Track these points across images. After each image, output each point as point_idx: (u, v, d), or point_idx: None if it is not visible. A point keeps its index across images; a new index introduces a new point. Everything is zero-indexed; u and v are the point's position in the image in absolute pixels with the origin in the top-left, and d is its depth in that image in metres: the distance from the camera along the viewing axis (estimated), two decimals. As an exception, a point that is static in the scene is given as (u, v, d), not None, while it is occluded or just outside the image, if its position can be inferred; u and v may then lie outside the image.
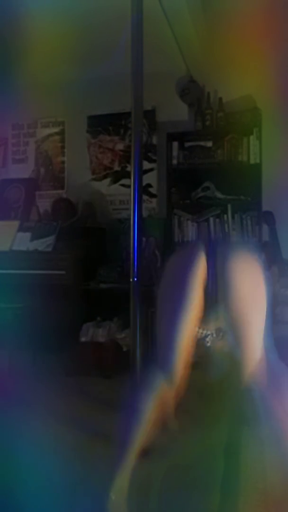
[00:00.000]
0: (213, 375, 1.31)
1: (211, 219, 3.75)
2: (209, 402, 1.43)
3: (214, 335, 1.29)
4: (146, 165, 3.93)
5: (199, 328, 1.26)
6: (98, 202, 4.22)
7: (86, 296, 3.63)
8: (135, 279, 1.97)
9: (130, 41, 2.02)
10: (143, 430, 1.26)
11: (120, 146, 4.25)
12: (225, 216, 3.71)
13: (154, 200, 4.09)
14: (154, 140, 4.11)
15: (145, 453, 1.27)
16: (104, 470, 1.26)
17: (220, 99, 3.79)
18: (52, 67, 3.81)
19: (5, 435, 2.01)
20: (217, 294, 1.25)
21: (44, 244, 3.66)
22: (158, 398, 1.24)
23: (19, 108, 4.32)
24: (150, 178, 4.04)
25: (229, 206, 3.70)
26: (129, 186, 2.02)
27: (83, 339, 3.49)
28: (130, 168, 2.03)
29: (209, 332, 1.28)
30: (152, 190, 4.09)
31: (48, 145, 4.46)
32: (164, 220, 3.85)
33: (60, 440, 2.06)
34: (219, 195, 3.74)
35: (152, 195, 4.09)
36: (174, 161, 3.80)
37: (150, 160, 4.08)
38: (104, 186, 4.27)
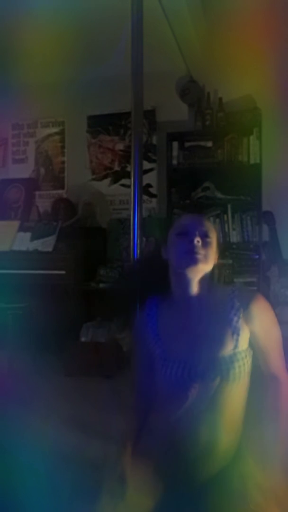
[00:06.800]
0: None
1: (211, 219, 3.74)
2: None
3: None
4: (146, 165, 3.94)
5: None
6: (98, 202, 4.22)
7: (86, 296, 3.63)
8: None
9: (130, 41, 2.02)
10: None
11: (120, 146, 4.25)
12: (225, 216, 3.71)
13: (154, 200, 4.09)
14: (154, 140, 4.11)
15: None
16: (104, 471, 1.26)
17: (220, 99, 3.79)
18: (52, 67, 3.81)
19: (4, 435, 2.01)
20: None
21: (44, 244, 3.66)
22: None
23: (19, 108, 4.32)
24: (150, 178, 4.04)
25: (229, 206, 3.70)
26: (129, 186, 2.01)
27: (83, 339, 3.49)
28: (130, 168, 2.03)
29: None
30: (152, 190, 4.09)
31: (48, 145, 4.46)
32: (164, 220, 3.85)
33: (60, 440, 2.07)
34: (219, 195, 3.74)
35: (152, 195, 4.09)
36: (174, 161, 3.79)
37: (150, 160, 4.08)
38: (104, 186, 4.27)
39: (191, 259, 1.22)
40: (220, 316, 1.24)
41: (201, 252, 1.22)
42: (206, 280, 1.27)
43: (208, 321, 1.24)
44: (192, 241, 1.22)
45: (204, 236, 1.24)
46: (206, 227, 1.26)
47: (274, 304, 3.42)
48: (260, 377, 1.27)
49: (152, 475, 1.24)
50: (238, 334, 1.21)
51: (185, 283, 1.26)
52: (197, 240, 1.22)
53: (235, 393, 1.20)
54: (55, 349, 3.26)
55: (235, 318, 1.22)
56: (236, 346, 1.20)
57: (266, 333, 1.24)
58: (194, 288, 1.26)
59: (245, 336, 1.22)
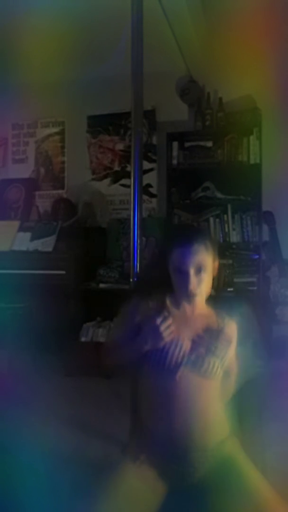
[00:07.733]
0: None
1: (211, 219, 3.74)
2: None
3: None
4: (146, 165, 3.93)
5: None
6: (98, 202, 4.22)
7: (86, 296, 3.63)
8: (135, 279, 1.97)
9: (130, 41, 2.02)
10: None
11: (120, 146, 4.25)
12: (225, 216, 3.71)
13: (154, 200, 4.09)
14: (154, 140, 4.11)
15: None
16: (103, 470, 1.27)
17: (220, 99, 3.79)
18: (52, 67, 3.81)
19: (4, 435, 2.01)
20: None
21: (44, 244, 3.66)
22: None
23: (19, 108, 4.32)
24: (150, 178, 4.04)
25: (229, 206, 3.70)
26: (129, 186, 2.02)
27: (83, 339, 3.49)
28: (130, 168, 2.03)
29: None
30: (152, 190, 4.09)
31: (48, 145, 4.46)
32: (164, 220, 3.84)
33: (60, 440, 2.07)
34: (219, 195, 3.74)
35: (152, 195, 4.09)
36: (174, 161, 3.79)
37: (150, 160, 4.08)
38: (104, 186, 4.27)
39: (188, 298, 1.36)
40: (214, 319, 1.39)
41: (197, 292, 1.34)
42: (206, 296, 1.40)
43: (202, 319, 1.39)
44: (188, 282, 1.32)
45: (199, 271, 1.33)
46: (200, 259, 1.34)
47: (274, 304, 3.44)
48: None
49: (155, 474, 1.24)
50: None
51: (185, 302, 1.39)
52: (193, 286, 1.32)
53: (214, 386, 1.34)
54: (55, 349, 3.26)
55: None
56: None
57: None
58: (194, 305, 1.39)
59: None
